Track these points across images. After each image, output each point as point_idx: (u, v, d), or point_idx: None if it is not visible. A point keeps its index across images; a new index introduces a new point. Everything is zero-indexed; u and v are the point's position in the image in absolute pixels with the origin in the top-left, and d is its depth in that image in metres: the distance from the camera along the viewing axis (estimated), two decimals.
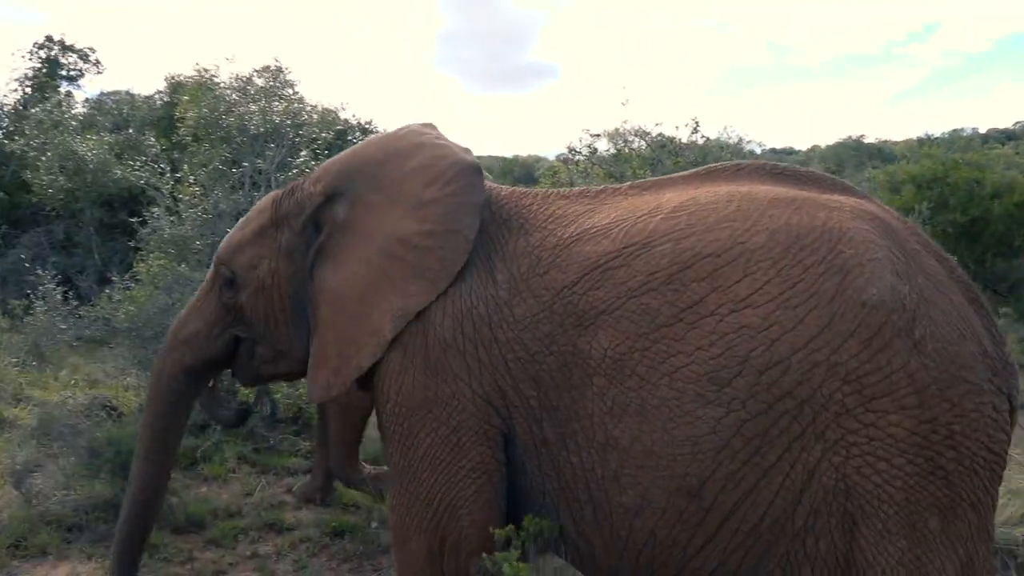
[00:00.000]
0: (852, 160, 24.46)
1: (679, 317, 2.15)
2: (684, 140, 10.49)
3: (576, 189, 2.72)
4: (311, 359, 2.70)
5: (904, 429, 2.02)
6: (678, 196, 2.40)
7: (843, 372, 2.01)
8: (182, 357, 2.97)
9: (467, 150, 2.79)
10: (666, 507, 2.16)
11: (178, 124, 7.05)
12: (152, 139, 9.90)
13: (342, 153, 2.98)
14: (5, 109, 14.63)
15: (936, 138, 23.21)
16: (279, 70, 14.88)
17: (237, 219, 6.38)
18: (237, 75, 7.04)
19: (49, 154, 11.02)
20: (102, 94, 15.97)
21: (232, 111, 6.33)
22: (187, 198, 6.18)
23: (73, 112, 14.25)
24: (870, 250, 2.10)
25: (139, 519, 3.06)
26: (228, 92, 6.85)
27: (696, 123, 10.11)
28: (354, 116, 15.89)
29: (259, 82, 14.34)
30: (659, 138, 10.29)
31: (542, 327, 2.32)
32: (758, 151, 30.09)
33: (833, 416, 2.03)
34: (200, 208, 6.03)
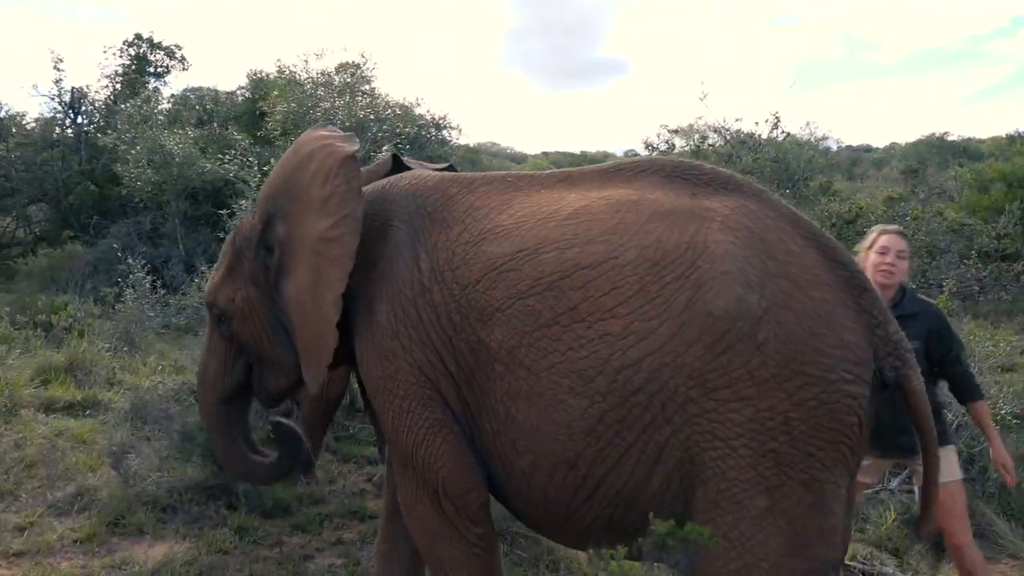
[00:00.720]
0: (935, 158, 23.57)
1: (557, 320, 2.48)
2: (764, 136, 10.31)
3: (500, 174, 3.00)
4: (301, 360, 3.04)
5: (742, 416, 2.32)
6: (578, 199, 2.70)
7: (688, 371, 2.35)
8: (213, 393, 3.38)
9: (348, 139, 3.06)
10: (552, 473, 2.54)
11: (264, 119, 7.20)
12: (236, 134, 10.13)
13: (268, 177, 3.33)
14: (96, 104, 15.22)
15: None
16: (359, 66, 15.18)
17: None
18: (322, 71, 7.13)
19: (138, 148, 11.39)
20: (186, 90, 16.31)
21: (319, 106, 6.43)
22: None
23: (160, 107, 14.80)
24: (725, 263, 2.40)
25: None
26: (314, 88, 6.95)
27: (777, 118, 9.94)
28: (428, 112, 16.16)
29: (337, 79, 14.62)
30: (738, 134, 10.12)
31: (453, 316, 2.66)
32: (835, 148, 29.29)
33: (680, 405, 2.36)
34: None
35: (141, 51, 16.75)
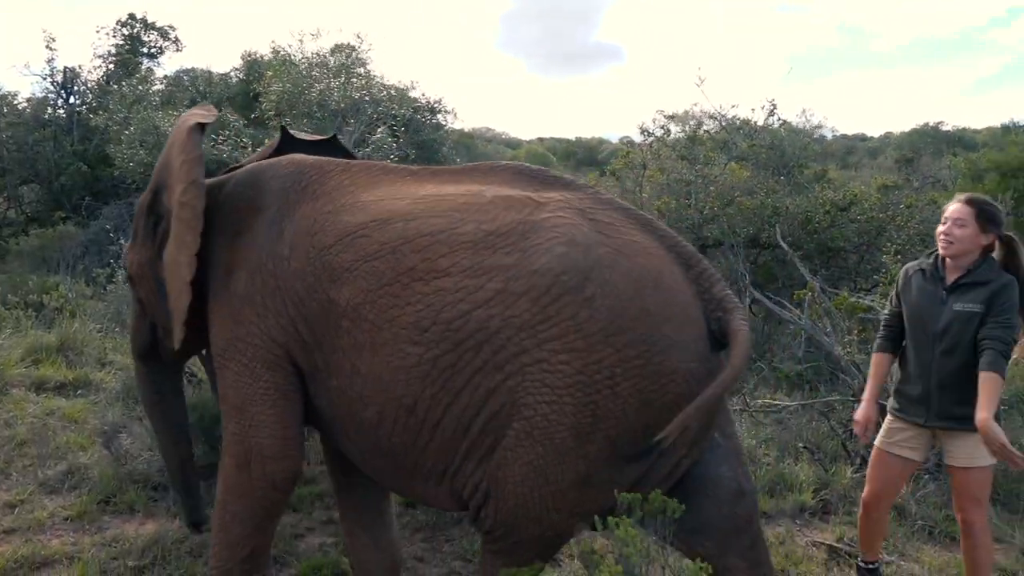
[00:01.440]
0: (929, 147, 23.61)
1: (397, 279, 2.73)
2: (760, 123, 10.30)
3: (380, 162, 3.23)
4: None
5: (571, 367, 2.54)
6: (434, 188, 2.97)
7: (518, 323, 2.57)
8: (134, 347, 3.74)
9: (205, 112, 3.30)
10: (395, 420, 2.76)
11: (258, 100, 7.16)
12: (230, 115, 10.09)
13: None
14: (89, 85, 15.12)
15: (1022, 126, 22.25)
16: (354, 48, 15.10)
17: None
18: (317, 51, 7.09)
19: (131, 128, 11.34)
20: (179, 71, 16.20)
21: (313, 87, 6.40)
22: None
23: (153, 88, 14.69)
24: (550, 237, 2.66)
25: (179, 473, 3.74)
26: (309, 68, 6.91)
27: (773, 105, 9.94)
28: (423, 95, 16.11)
29: (332, 60, 14.54)
30: (734, 120, 10.10)
31: (308, 279, 2.86)
32: (830, 136, 29.25)
33: (512, 354, 2.58)
34: None
35: (135, 31, 16.66)
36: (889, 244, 8.58)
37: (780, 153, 10.14)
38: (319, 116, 6.48)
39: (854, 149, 27.88)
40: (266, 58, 13.33)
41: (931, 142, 24.87)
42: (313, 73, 6.84)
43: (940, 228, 3.45)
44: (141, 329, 3.61)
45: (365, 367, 2.75)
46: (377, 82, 6.75)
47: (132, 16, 16.59)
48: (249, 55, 14.56)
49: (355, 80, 6.61)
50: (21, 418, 5.21)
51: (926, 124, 26.38)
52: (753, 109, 10.36)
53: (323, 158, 3.27)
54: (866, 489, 3.71)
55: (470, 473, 2.75)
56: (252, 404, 2.95)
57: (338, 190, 3.02)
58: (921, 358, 3.48)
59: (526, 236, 2.68)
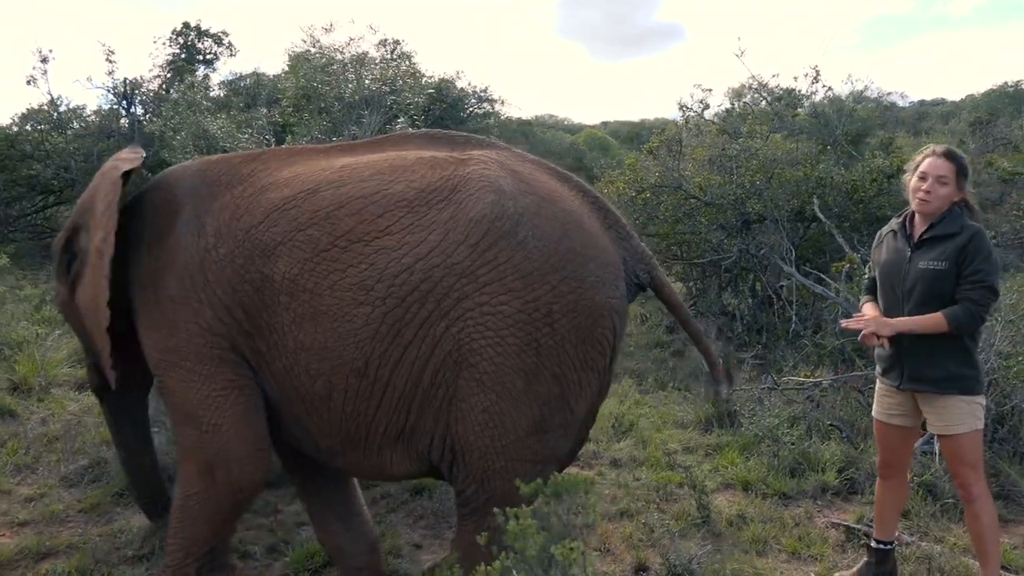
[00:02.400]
0: (1008, 108, 22.33)
1: (335, 244, 2.75)
2: (804, 91, 9.92)
3: (283, 147, 3.21)
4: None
5: (511, 307, 2.68)
6: (353, 159, 3.02)
7: (459, 270, 2.68)
8: (90, 383, 3.67)
9: (132, 155, 3.27)
10: (346, 388, 2.77)
11: (279, 97, 7.27)
12: (262, 112, 10.26)
13: None
14: (148, 94, 15.63)
15: None
16: (398, 42, 15.20)
17: None
18: (348, 40, 7.13)
19: (183, 133, 11.66)
20: (232, 75, 16.59)
21: (327, 81, 6.45)
22: None
23: (210, 94, 15.07)
24: (480, 188, 2.79)
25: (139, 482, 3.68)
26: (324, 62, 6.97)
27: (817, 72, 9.53)
28: (470, 84, 16.12)
29: (375, 54, 14.66)
30: (776, 90, 9.75)
31: (237, 261, 2.82)
32: (903, 103, 28.03)
33: (455, 301, 2.68)
34: None
35: (189, 40, 17.18)
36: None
37: (825, 122, 9.74)
38: (336, 110, 6.53)
39: (927, 115, 26.65)
40: (312, 54, 13.49)
41: (1011, 103, 23.56)
42: (333, 67, 6.89)
43: (919, 184, 3.25)
44: (91, 365, 3.49)
45: (309, 339, 2.74)
46: (392, 72, 6.74)
47: (187, 25, 17.11)
48: (294, 52, 14.75)
49: (368, 71, 6.63)
50: (58, 416, 5.42)
51: (1004, 84, 24.98)
52: (796, 78, 9.85)
53: (228, 153, 3.28)
54: (878, 458, 3.60)
55: (429, 430, 2.82)
56: (207, 408, 2.85)
57: (254, 175, 3.00)
58: (893, 317, 3.31)
59: (457, 190, 2.80)
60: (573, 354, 2.78)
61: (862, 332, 3.27)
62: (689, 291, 10.22)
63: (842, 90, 11.39)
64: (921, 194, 3.24)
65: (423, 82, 6.89)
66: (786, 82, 10.08)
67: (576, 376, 2.81)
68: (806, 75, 9.75)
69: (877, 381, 3.52)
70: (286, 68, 15.59)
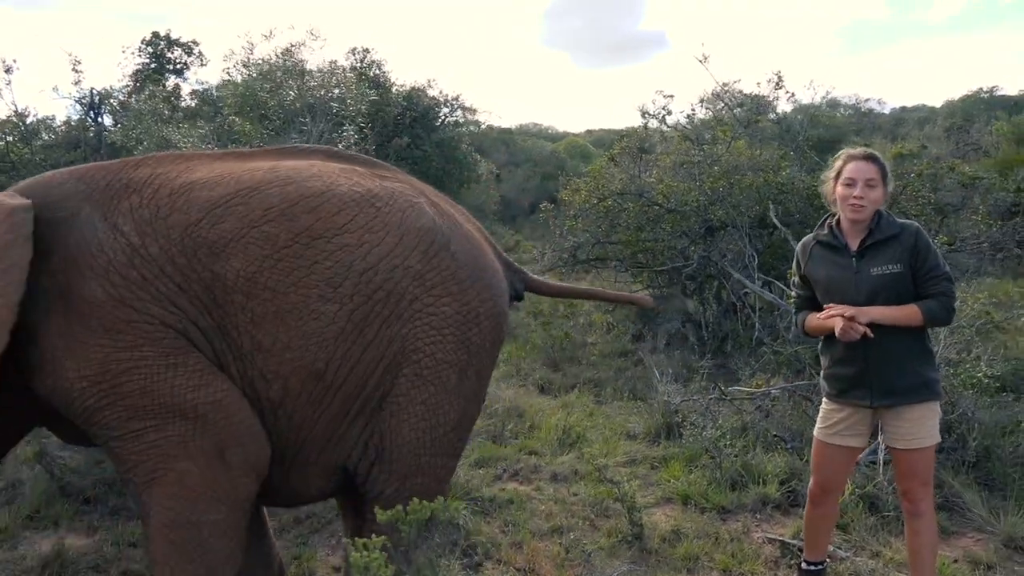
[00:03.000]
0: (983, 113, 22.46)
1: (295, 240, 2.71)
2: (767, 96, 9.86)
3: (169, 153, 3.04)
4: None
5: (451, 308, 2.90)
6: (265, 164, 2.93)
7: (412, 272, 2.84)
8: None
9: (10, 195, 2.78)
10: (300, 392, 2.70)
11: (221, 105, 7.15)
12: (202, 122, 10.11)
13: None
14: (113, 103, 15.46)
15: None
16: (367, 51, 15.12)
17: None
18: (289, 46, 7.03)
19: (145, 143, 11.52)
20: (200, 84, 16.45)
21: (267, 89, 6.34)
22: None
23: (180, 103, 14.92)
24: (414, 201, 2.98)
25: None
26: (266, 69, 6.86)
27: (779, 77, 9.45)
28: (441, 92, 16.03)
29: (345, 62, 14.55)
30: (738, 96, 9.68)
31: (178, 260, 2.64)
32: (880, 109, 28.14)
33: (408, 302, 2.83)
34: None
35: (159, 49, 17.02)
36: (902, 216, 8.13)
37: (787, 128, 9.68)
38: (276, 118, 6.41)
39: (904, 121, 26.76)
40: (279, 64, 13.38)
41: (985, 108, 23.70)
42: (277, 75, 6.78)
43: (847, 191, 3.13)
44: None
45: (269, 339, 2.63)
46: (331, 79, 6.63)
47: (156, 34, 16.97)
48: (264, 62, 14.65)
49: (310, 79, 6.52)
50: None
51: (979, 90, 25.14)
52: (758, 83, 9.78)
53: (94, 163, 2.98)
54: (811, 481, 3.43)
55: (357, 435, 2.85)
56: (195, 390, 2.57)
57: (157, 178, 2.79)
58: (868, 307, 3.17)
59: (395, 198, 2.94)
60: (489, 354, 3.08)
61: (839, 326, 3.03)
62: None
63: (804, 96, 11.23)
64: (853, 201, 3.12)
65: (364, 90, 6.75)
66: (750, 88, 10.01)
67: (487, 375, 3.14)
68: (769, 81, 9.64)
69: (824, 402, 3.37)
70: (225, 76, 15.56)
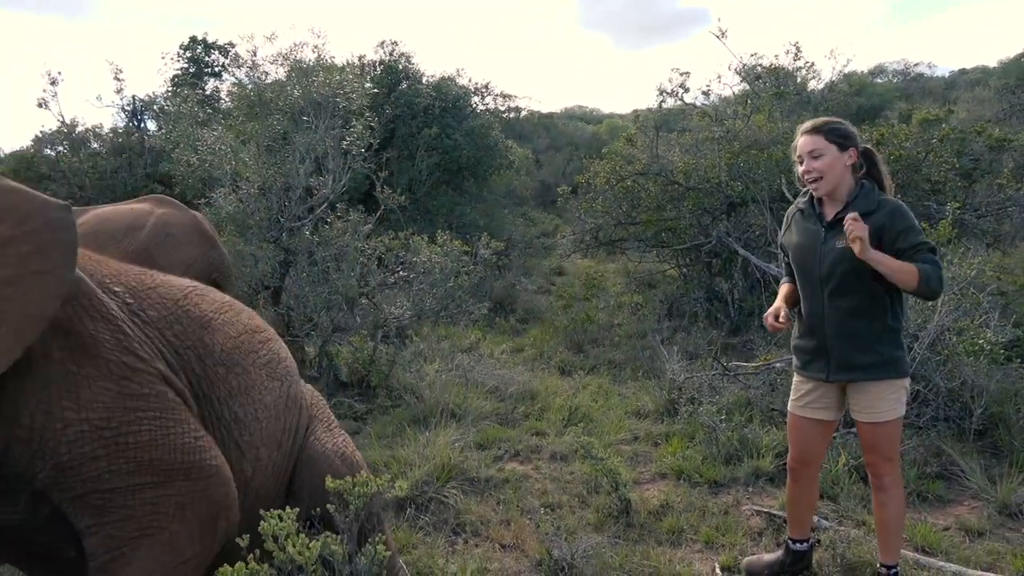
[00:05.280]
0: None
1: (247, 329, 2.85)
2: (788, 67, 9.69)
3: None
4: None
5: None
6: None
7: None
8: None
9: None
10: (268, 463, 2.74)
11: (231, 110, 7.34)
12: (219, 124, 10.37)
13: None
14: (155, 109, 15.95)
15: None
16: (396, 43, 15.27)
17: (286, 192, 6.64)
18: (292, 46, 7.19)
19: (181, 146, 11.88)
20: (235, 85, 16.81)
21: (274, 90, 6.51)
22: (246, 176, 6.47)
23: (220, 105, 15.30)
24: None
25: None
26: (272, 69, 7.04)
27: (797, 47, 9.28)
28: (470, 81, 16.08)
29: (375, 57, 14.73)
30: (756, 69, 9.54)
31: (175, 327, 2.60)
32: (930, 73, 27.26)
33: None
34: (255, 184, 6.29)
35: (197, 53, 17.47)
36: (927, 183, 7.96)
37: (807, 98, 9.51)
38: (281, 117, 6.58)
39: (955, 84, 25.91)
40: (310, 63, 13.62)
41: None
42: (279, 75, 6.95)
43: (799, 169, 3.15)
44: None
45: (242, 411, 2.67)
46: (338, 78, 6.74)
47: (194, 39, 17.39)
48: (298, 62, 14.91)
49: (315, 77, 6.66)
50: None
51: None
52: (776, 55, 9.62)
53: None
54: (789, 455, 3.45)
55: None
56: (198, 451, 2.41)
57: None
58: (812, 306, 3.19)
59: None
60: None
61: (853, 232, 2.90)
62: (682, 276, 10.08)
63: (825, 66, 11.00)
64: (806, 177, 3.14)
65: (367, 84, 6.87)
66: (769, 61, 9.83)
67: None
68: (787, 52, 9.48)
69: (794, 374, 3.40)
70: (234, 80, 15.84)
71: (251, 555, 2.08)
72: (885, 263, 2.93)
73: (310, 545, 2.03)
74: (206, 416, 2.58)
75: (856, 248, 2.89)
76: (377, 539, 2.35)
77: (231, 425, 2.63)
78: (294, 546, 2.01)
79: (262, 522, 2.11)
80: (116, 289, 2.53)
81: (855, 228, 2.89)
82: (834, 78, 12.89)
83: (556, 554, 3.31)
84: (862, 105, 18.06)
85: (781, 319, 3.16)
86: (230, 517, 2.45)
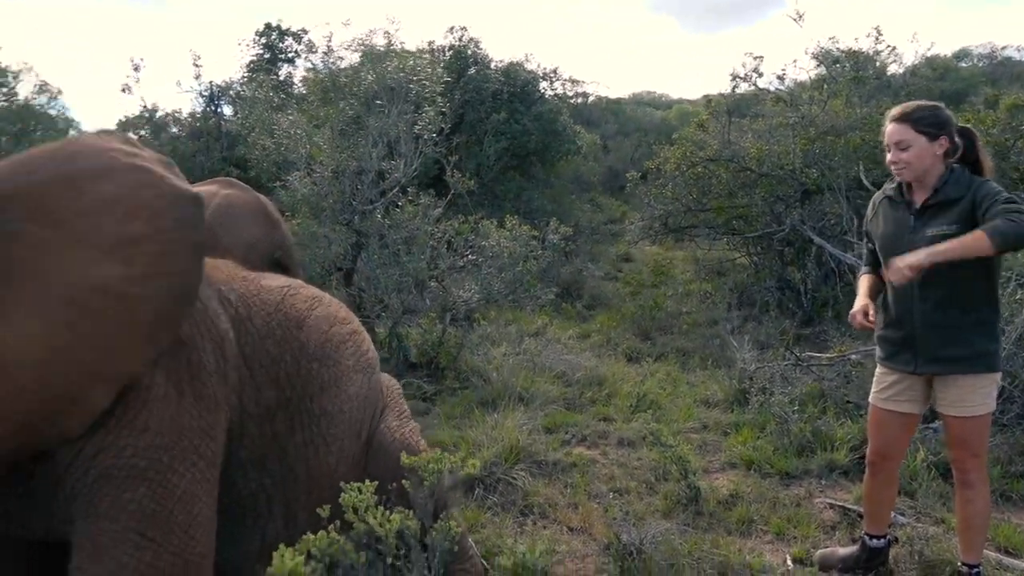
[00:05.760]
0: None
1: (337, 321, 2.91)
2: (867, 51, 9.39)
3: None
4: None
5: None
6: None
7: None
8: None
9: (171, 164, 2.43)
10: (349, 453, 2.73)
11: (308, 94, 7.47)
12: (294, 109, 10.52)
13: None
14: (231, 95, 16.35)
15: None
16: (464, 28, 15.33)
17: (359, 176, 6.74)
18: (368, 32, 7.28)
19: (256, 131, 12.17)
20: (308, 71, 17.13)
21: (348, 75, 6.60)
22: (320, 160, 6.60)
23: (293, 91, 15.62)
24: None
25: None
26: (346, 54, 7.14)
27: (878, 31, 8.97)
28: (539, 66, 16.04)
29: (446, 41, 14.82)
30: (833, 53, 9.27)
31: (276, 333, 2.57)
32: (1019, 57, 26.14)
33: None
34: (328, 168, 6.41)
35: (271, 40, 17.81)
36: (1015, 171, 7.64)
37: (887, 82, 9.20)
38: (354, 102, 6.68)
39: None
40: (379, 49, 13.76)
41: None
42: (349, 61, 7.05)
43: (887, 157, 3.06)
44: None
45: (331, 405, 2.68)
46: (413, 63, 6.79)
47: (268, 26, 17.74)
48: (368, 47, 15.09)
49: (388, 63, 6.72)
50: None
51: None
52: (856, 39, 9.31)
53: None
54: (869, 448, 3.37)
55: None
56: (198, 518, 2.17)
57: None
58: (899, 296, 3.10)
59: None
60: None
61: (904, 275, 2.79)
62: (753, 265, 9.91)
63: (907, 49, 10.64)
64: (894, 167, 3.06)
65: (440, 70, 6.90)
66: (847, 44, 9.54)
67: None
68: (868, 35, 9.18)
69: (878, 365, 3.31)
70: (309, 66, 16.04)
71: (331, 525, 2.12)
72: (950, 250, 2.76)
73: (390, 518, 2.06)
74: (293, 413, 2.54)
75: (914, 273, 2.77)
76: (449, 515, 2.39)
77: (319, 419, 2.61)
78: (375, 517, 2.04)
79: (342, 494, 2.15)
80: (231, 297, 2.49)
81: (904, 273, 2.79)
82: (916, 62, 12.50)
83: (624, 538, 3.30)
84: (945, 90, 17.38)
85: (871, 316, 3.07)
86: (204, 566, 2.19)
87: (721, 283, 10.12)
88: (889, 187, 3.19)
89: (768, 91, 9.40)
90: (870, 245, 3.31)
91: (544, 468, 4.51)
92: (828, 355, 5.50)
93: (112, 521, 2.03)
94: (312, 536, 2.04)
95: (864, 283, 3.29)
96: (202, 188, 5.11)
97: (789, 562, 3.44)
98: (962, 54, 23.38)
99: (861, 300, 3.16)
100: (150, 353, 2.08)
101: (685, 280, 10.76)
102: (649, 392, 5.86)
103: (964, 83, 19.55)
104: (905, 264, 2.77)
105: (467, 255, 6.77)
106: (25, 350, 1.91)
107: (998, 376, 3.05)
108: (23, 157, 2.15)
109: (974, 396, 2.99)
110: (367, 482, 2.28)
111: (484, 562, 3.21)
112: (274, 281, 2.76)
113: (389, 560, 2.05)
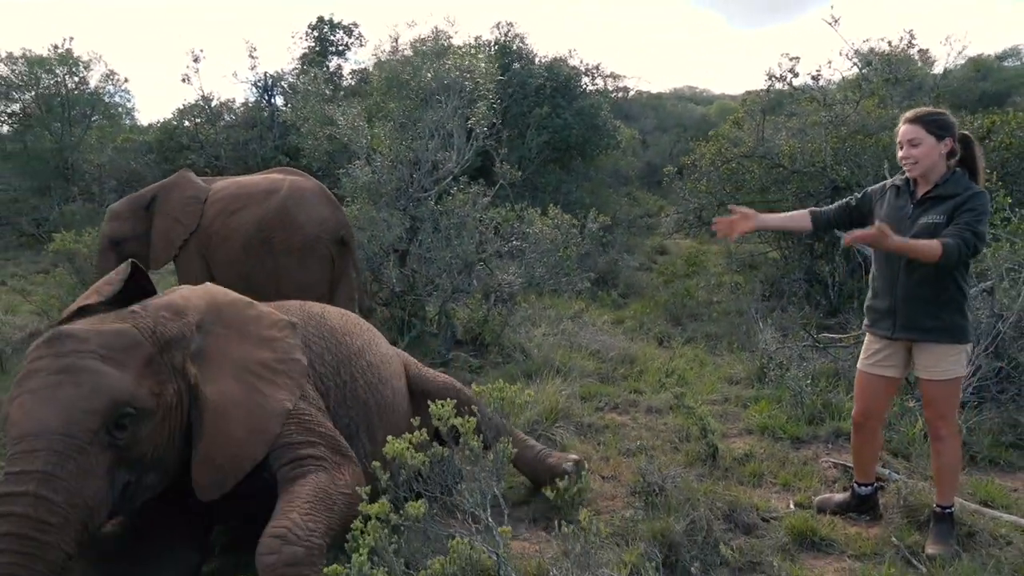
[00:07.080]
0: None
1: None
2: (900, 54, 9.74)
3: None
4: (199, 465, 2.90)
5: None
6: None
7: None
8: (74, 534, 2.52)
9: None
10: (394, 427, 3.64)
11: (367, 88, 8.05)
12: (357, 99, 11.09)
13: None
14: (284, 86, 17.08)
15: None
16: (511, 24, 15.84)
17: (415, 166, 7.32)
18: (432, 31, 7.84)
19: (309, 121, 12.83)
20: (358, 64, 17.73)
21: (408, 71, 7.16)
22: (379, 151, 7.20)
23: (343, 83, 16.31)
24: None
25: None
26: (410, 54, 7.70)
27: (911, 35, 9.33)
28: (582, 61, 16.53)
29: (490, 37, 15.34)
30: (867, 55, 9.64)
31: (326, 357, 3.60)
32: None
33: None
34: (388, 158, 7.01)
35: (323, 32, 18.52)
36: None
37: (919, 84, 9.55)
38: (414, 97, 7.26)
39: None
40: (427, 44, 14.32)
41: None
42: (412, 59, 7.60)
43: (899, 154, 3.56)
44: (105, 495, 2.61)
45: (380, 397, 3.83)
46: (468, 61, 7.33)
47: (320, 19, 18.44)
48: (420, 43, 15.70)
49: (447, 60, 7.27)
50: None
51: None
52: (890, 42, 9.67)
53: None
54: (855, 409, 3.88)
55: None
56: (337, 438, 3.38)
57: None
58: (887, 272, 3.61)
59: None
60: None
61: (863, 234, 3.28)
62: (783, 258, 10.33)
63: (939, 52, 10.91)
64: (905, 162, 3.56)
65: (494, 68, 7.43)
66: (882, 47, 9.90)
67: None
68: (900, 39, 9.56)
69: (866, 333, 3.83)
70: (362, 61, 16.59)
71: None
72: (911, 247, 3.30)
73: (468, 420, 2.67)
74: (351, 368, 3.63)
75: (881, 237, 3.23)
76: (505, 440, 2.96)
77: (369, 368, 3.70)
78: (462, 425, 2.67)
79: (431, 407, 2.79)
80: (296, 324, 3.50)
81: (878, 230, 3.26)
82: (949, 65, 12.77)
83: (648, 479, 3.85)
84: (987, 90, 17.52)
85: (736, 215, 3.81)
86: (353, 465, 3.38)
87: (752, 275, 10.56)
88: (899, 178, 3.69)
89: (803, 91, 9.79)
90: (854, 204, 3.80)
91: (580, 429, 5.06)
92: (843, 335, 5.95)
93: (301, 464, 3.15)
94: (399, 444, 2.65)
95: (787, 214, 3.99)
96: (267, 175, 5.93)
97: (792, 505, 3.96)
98: (1010, 52, 23.28)
99: (761, 213, 3.88)
100: (295, 396, 3.26)
101: (717, 272, 11.21)
102: (677, 369, 6.37)
103: (1006, 84, 19.59)
104: (880, 229, 3.24)
105: (512, 240, 7.32)
106: (232, 400, 3.06)
107: (968, 347, 3.58)
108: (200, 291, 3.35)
109: (944, 362, 3.50)
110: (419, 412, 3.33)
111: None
112: (311, 309, 3.82)
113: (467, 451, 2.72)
